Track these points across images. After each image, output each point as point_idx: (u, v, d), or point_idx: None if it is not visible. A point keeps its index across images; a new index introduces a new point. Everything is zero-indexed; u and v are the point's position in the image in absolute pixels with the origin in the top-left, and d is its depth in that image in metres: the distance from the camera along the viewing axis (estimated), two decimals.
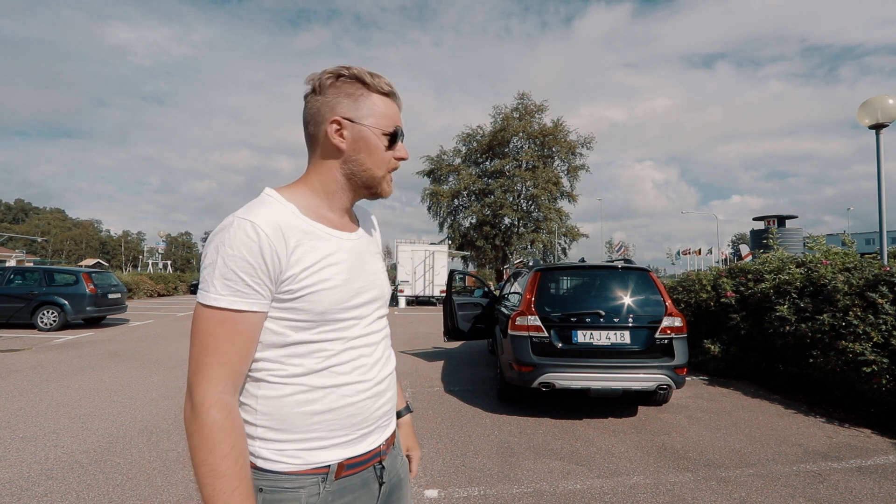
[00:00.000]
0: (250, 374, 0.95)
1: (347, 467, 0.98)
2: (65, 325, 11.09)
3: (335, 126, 0.99)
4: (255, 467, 0.94)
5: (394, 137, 1.04)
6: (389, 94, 1.04)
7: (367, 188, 1.05)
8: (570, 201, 34.05)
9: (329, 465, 0.96)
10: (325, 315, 0.96)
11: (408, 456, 1.29)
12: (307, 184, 1.04)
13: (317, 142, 1.02)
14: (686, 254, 44.69)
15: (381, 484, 1.06)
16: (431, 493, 3.18)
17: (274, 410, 0.94)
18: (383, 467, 1.07)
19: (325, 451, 0.96)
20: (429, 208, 34.42)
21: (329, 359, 0.97)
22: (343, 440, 0.98)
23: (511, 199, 32.87)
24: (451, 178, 34.66)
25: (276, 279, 0.92)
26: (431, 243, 25.71)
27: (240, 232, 0.90)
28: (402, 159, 1.07)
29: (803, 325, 5.36)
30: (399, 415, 1.30)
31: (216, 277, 0.89)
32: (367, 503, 1.03)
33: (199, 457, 0.85)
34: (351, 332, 1.00)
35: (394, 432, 1.13)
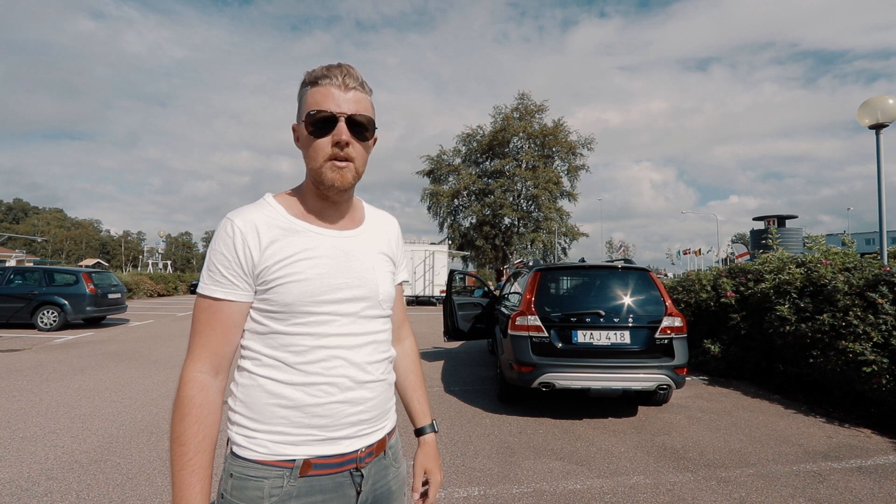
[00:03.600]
0: (237, 361, 1.03)
1: (315, 466, 0.98)
2: (65, 325, 11.09)
3: (294, 135, 1.07)
4: (231, 452, 1.00)
5: (317, 123, 0.99)
6: (318, 81, 1.01)
7: (318, 183, 1.03)
8: (570, 201, 34.09)
9: (294, 460, 0.97)
10: (292, 307, 0.98)
11: (425, 480, 1.22)
12: (304, 186, 1.09)
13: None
14: (686, 254, 44.70)
15: (358, 492, 1.03)
16: None
17: (248, 398, 0.99)
18: (362, 475, 1.04)
19: (291, 446, 0.97)
20: (429, 208, 34.43)
21: (300, 354, 0.98)
22: (309, 438, 0.98)
23: (511, 199, 32.88)
24: (450, 178, 34.67)
25: (250, 272, 0.98)
26: (431, 243, 25.73)
27: (221, 230, 1.00)
28: (338, 143, 0.99)
29: (803, 325, 5.36)
30: (421, 432, 1.26)
31: (204, 270, 1.00)
32: None
33: (172, 424, 0.94)
34: (323, 328, 1.00)
35: (383, 441, 1.10)
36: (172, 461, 0.92)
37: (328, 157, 1.00)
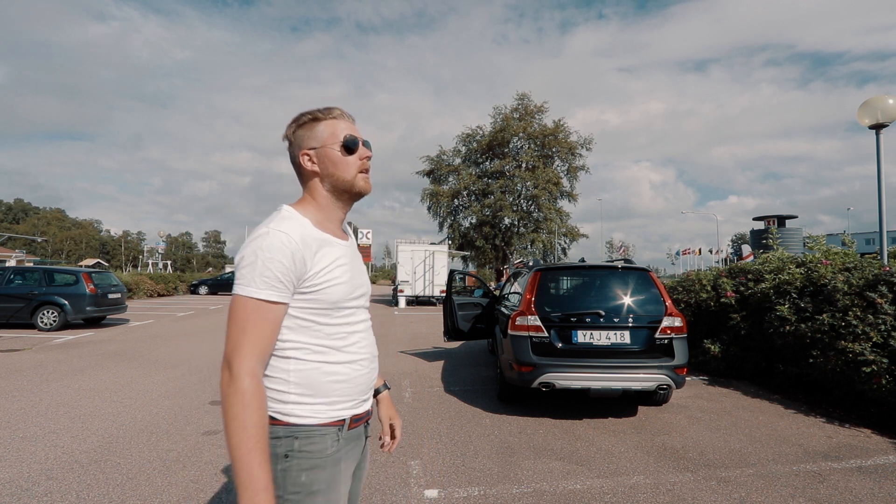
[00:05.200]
0: (279, 353, 1.20)
1: (353, 421, 1.28)
2: (65, 325, 11.09)
3: (305, 157, 1.28)
4: (289, 424, 1.19)
5: (348, 145, 1.27)
6: (336, 118, 1.29)
7: (347, 192, 1.30)
8: (570, 201, 34.07)
9: (344, 420, 1.25)
10: (337, 304, 1.24)
11: (391, 424, 1.57)
12: (310, 202, 1.30)
13: (301, 172, 1.31)
14: (686, 253, 44.70)
15: (366, 437, 1.38)
16: (431, 493, 3.18)
17: (305, 380, 1.21)
18: (367, 424, 1.37)
19: (342, 410, 1.25)
20: (429, 208, 34.40)
21: (342, 339, 1.26)
22: (352, 402, 1.27)
23: (511, 199, 32.86)
24: (450, 179, 34.65)
25: (300, 277, 1.18)
26: (431, 243, 25.70)
27: (276, 240, 1.15)
28: (367, 157, 1.31)
29: (803, 325, 5.36)
30: (377, 392, 1.56)
31: (256, 275, 1.13)
32: (357, 451, 1.33)
33: (232, 414, 1.07)
34: (353, 318, 1.29)
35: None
36: (236, 445, 1.05)
37: (360, 168, 1.29)
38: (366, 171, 1.30)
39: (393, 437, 1.57)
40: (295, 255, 1.15)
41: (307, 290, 1.19)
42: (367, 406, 1.34)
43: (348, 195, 1.30)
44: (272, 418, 1.17)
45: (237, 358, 1.10)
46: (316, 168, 1.27)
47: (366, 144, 1.31)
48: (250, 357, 1.10)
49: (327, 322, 1.22)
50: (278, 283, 1.13)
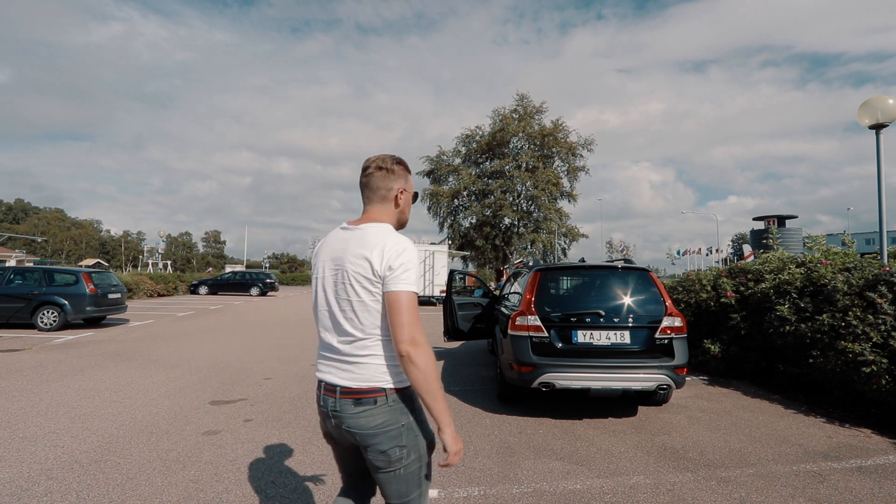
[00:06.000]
0: (383, 336, 1.63)
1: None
2: (65, 325, 11.09)
3: (401, 191, 1.74)
4: (400, 389, 1.65)
5: (415, 197, 1.87)
6: (411, 173, 1.83)
7: (401, 225, 1.80)
8: (570, 201, 34.08)
9: (406, 387, 1.67)
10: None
11: None
12: (389, 222, 1.72)
13: (387, 198, 1.73)
14: (686, 254, 44.69)
15: None
16: (431, 493, 3.18)
17: (392, 357, 1.63)
18: None
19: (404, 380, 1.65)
20: (429, 208, 34.41)
21: None
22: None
23: (511, 199, 32.87)
24: (450, 179, 34.66)
25: None
26: (431, 243, 25.71)
27: (412, 252, 1.60)
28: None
29: (803, 325, 5.36)
30: None
31: (415, 276, 1.57)
32: None
33: (433, 376, 1.52)
34: None
35: None
36: (437, 388, 1.53)
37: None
38: None
39: None
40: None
41: None
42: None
43: (399, 226, 1.78)
44: (400, 388, 1.63)
45: (418, 333, 1.52)
46: (401, 203, 1.74)
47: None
48: (422, 330, 1.54)
49: None
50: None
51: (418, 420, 1.67)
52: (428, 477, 1.70)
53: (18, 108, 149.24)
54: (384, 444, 1.59)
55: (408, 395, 1.65)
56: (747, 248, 31.82)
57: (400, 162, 1.74)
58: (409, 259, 1.56)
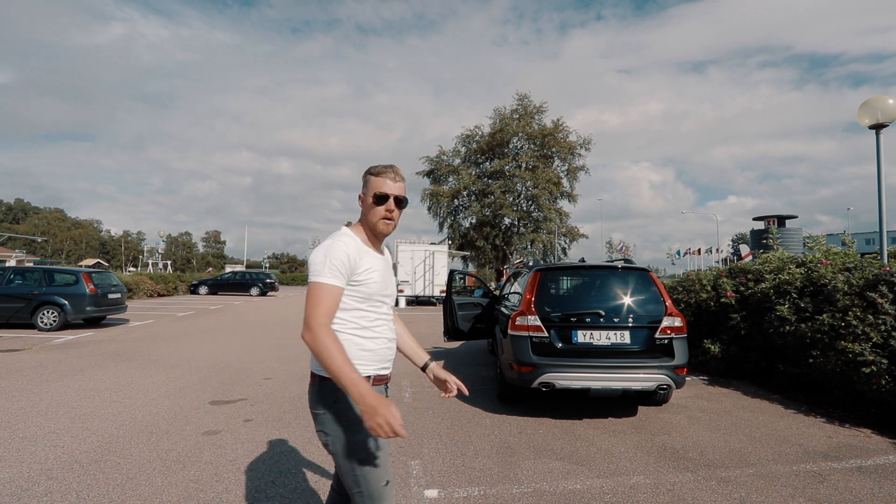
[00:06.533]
0: (333, 325, 1.72)
1: (375, 381, 1.81)
2: (65, 325, 11.08)
3: (360, 198, 1.87)
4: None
5: (377, 198, 1.81)
6: (379, 174, 1.83)
7: (372, 230, 1.85)
8: (570, 201, 34.07)
9: (370, 376, 1.78)
10: (371, 296, 1.80)
11: (445, 379, 1.98)
12: (360, 227, 1.87)
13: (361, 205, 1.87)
14: (686, 254, 44.68)
15: (387, 395, 1.88)
16: (431, 493, 3.18)
17: (347, 346, 1.70)
18: (387, 387, 1.91)
19: (367, 369, 1.78)
20: (429, 208, 34.39)
21: (371, 322, 1.81)
22: (373, 366, 1.81)
23: (511, 199, 32.86)
24: (450, 179, 34.64)
25: (351, 272, 1.73)
26: (431, 243, 25.68)
27: (340, 245, 1.73)
28: (388, 209, 1.81)
29: (803, 325, 5.36)
30: (426, 366, 2.04)
31: (325, 268, 1.69)
32: None
33: (326, 357, 1.58)
34: (381, 310, 1.85)
35: (390, 374, 1.93)
36: (336, 369, 1.57)
37: (382, 217, 1.81)
38: (388, 218, 1.81)
39: (447, 390, 1.97)
40: (350, 256, 1.72)
41: (354, 283, 1.74)
42: (386, 372, 1.86)
43: (372, 231, 1.84)
44: (323, 377, 1.72)
45: (312, 322, 1.63)
46: (362, 207, 1.85)
47: (399, 201, 1.82)
48: (321, 318, 1.64)
49: (361, 307, 1.78)
50: (339, 273, 1.70)
51: (340, 414, 1.71)
52: (370, 482, 1.69)
53: (19, 108, 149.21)
54: (316, 426, 1.76)
55: (330, 387, 1.71)
56: (744, 248, 31.80)
57: (367, 171, 1.86)
58: (319, 254, 1.71)
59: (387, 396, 1.84)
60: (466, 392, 2.01)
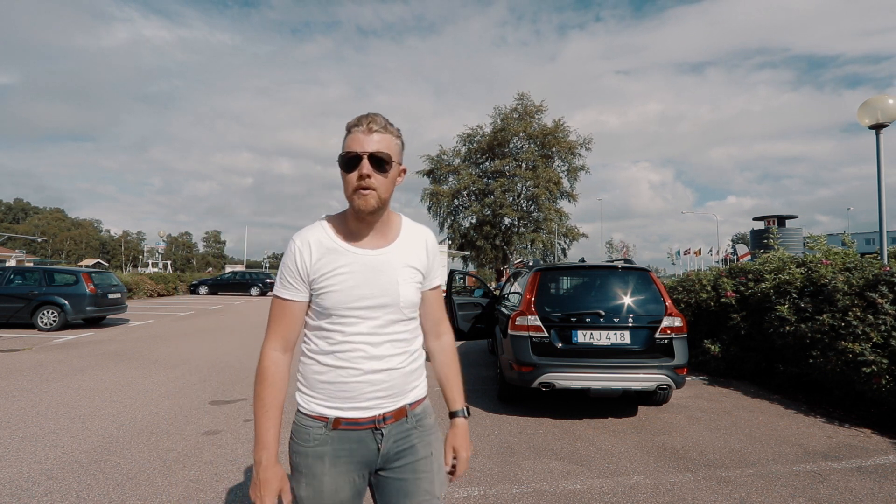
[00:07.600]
0: (300, 345, 1.39)
1: (344, 423, 1.31)
2: (65, 325, 11.08)
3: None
4: (297, 408, 1.37)
5: (346, 162, 1.26)
6: (350, 129, 1.28)
7: (351, 205, 1.30)
8: (570, 201, 34.09)
9: (329, 417, 1.32)
10: (330, 310, 1.30)
11: (453, 456, 1.49)
12: (346, 210, 1.36)
13: None
14: (686, 254, 44.70)
15: (378, 446, 1.34)
16: None
17: (304, 371, 1.36)
18: (382, 434, 1.34)
19: (326, 408, 1.32)
20: (429, 208, 34.42)
21: (333, 345, 1.31)
22: (338, 405, 1.32)
23: (511, 199, 32.88)
24: (450, 178, 34.66)
25: (306, 280, 1.31)
26: None
27: (292, 246, 1.33)
28: (360, 176, 1.24)
29: (803, 325, 5.36)
30: (453, 415, 1.52)
31: (278, 277, 1.35)
32: (364, 455, 1.34)
33: (254, 387, 1.31)
34: (352, 328, 1.30)
35: (402, 410, 1.37)
36: (255, 413, 1.30)
37: (355, 188, 1.25)
38: (363, 188, 1.24)
39: (453, 470, 1.48)
40: (296, 261, 1.31)
41: (314, 292, 1.32)
42: (362, 413, 1.31)
43: (352, 211, 1.31)
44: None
45: (264, 344, 1.34)
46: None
47: (378, 161, 1.24)
48: (271, 342, 1.33)
49: (322, 325, 1.33)
50: (288, 283, 1.32)
51: (292, 451, 1.36)
52: None
53: (22, 109, 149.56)
54: None
55: (297, 421, 1.37)
56: (742, 248, 31.79)
57: None
58: (283, 259, 1.37)
59: (378, 446, 1.34)
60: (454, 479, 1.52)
